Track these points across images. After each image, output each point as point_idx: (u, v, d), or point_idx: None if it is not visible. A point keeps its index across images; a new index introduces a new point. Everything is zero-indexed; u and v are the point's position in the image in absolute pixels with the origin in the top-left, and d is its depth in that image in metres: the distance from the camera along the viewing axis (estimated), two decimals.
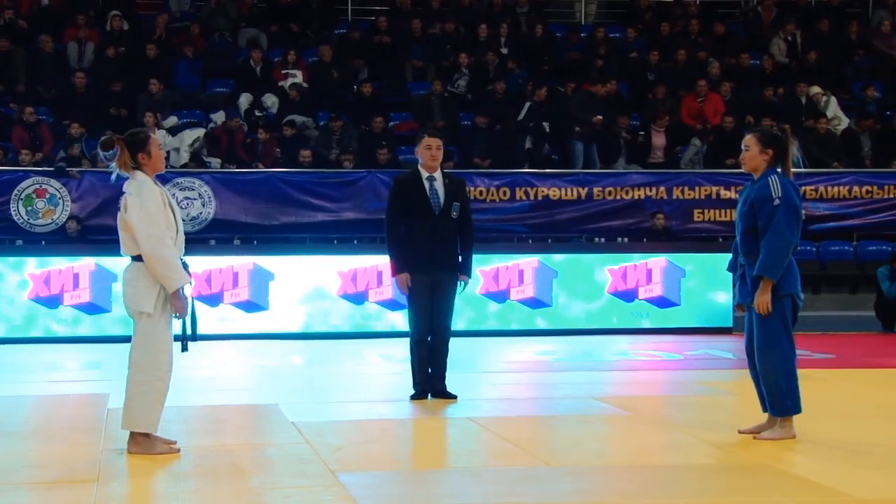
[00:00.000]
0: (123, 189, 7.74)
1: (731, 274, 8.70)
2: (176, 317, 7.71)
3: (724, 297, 15.50)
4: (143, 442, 7.70)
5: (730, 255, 8.60)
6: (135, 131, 7.91)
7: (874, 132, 20.19)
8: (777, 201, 8.01)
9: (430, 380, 10.05)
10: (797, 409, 8.20)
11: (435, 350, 10.04)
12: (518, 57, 20.92)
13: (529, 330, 15.40)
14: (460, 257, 10.07)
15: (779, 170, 8.21)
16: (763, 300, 8.05)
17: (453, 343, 10.22)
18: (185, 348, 7.85)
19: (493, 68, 20.54)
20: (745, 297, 8.26)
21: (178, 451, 7.77)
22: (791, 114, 20.02)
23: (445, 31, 21.47)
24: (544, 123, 19.11)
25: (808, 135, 19.64)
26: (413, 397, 10.01)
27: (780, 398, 8.16)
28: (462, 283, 10.07)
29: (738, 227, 8.29)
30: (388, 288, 15.08)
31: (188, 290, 7.72)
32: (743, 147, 8.30)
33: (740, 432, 8.43)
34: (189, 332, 7.86)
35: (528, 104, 19.20)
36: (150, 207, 7.59)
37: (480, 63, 20.76)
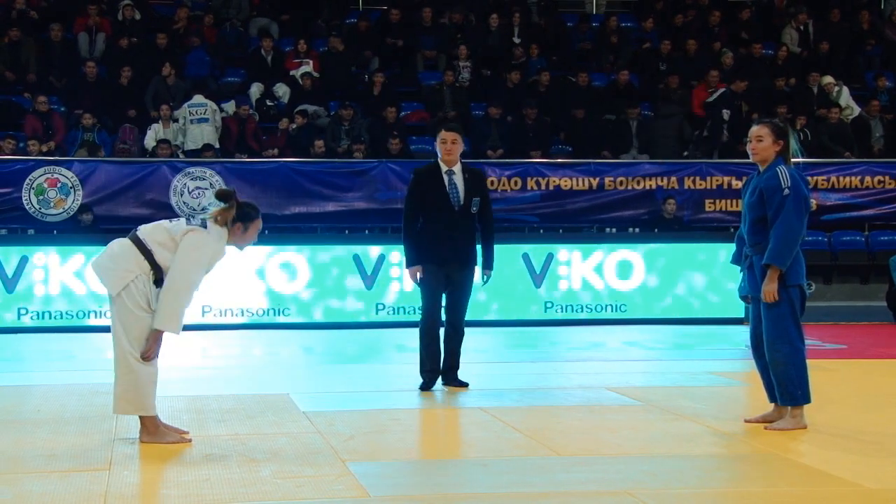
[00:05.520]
0: (205, 219, 7.72)
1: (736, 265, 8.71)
2: (141, 356, 7.63)
3: (735, 287, 15.47)
4: (153, 431, 7.72)
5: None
6: (251, 205, 7.93)
7: (886, 121, 20.14)
8: (787, 191, 8.03)
9: (439, 369, 10.11)
10: (807, 399, 8.21)
11: (449, 340, 10.08)
12: (528, 46, 20.93)
13: (541, 320, 15.40)
14: (483, 251, 10.06)
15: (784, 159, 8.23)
16: (770, 289, 8.06)
17: (466, 333, 10.23)
18: None
19: (504, 57, 20.56)
20: (753, 288, 8.26)
21: (190, 440, 7.79)
22: (803, 103, 20.02)
23: (455, 21, 21.48)
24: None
25: (820, 124, 19.62)
26: (422, 388, 10.04)
27: (789, 388, 8.16)
28: (485, 276, 10.10)
29: (746, 217, 8.29)
30: (399, 278, 15.11)
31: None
32: (754, 138, 8.29)
33: (746, 421, 8.47)
34: None
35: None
36: (207, 256, 7.64)
37: (491, 53, 20.78)
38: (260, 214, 7.95)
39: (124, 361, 7.64)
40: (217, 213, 7.75)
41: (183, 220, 7.86)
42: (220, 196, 7.82)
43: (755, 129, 8.32)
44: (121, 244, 7.74)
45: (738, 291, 8.62)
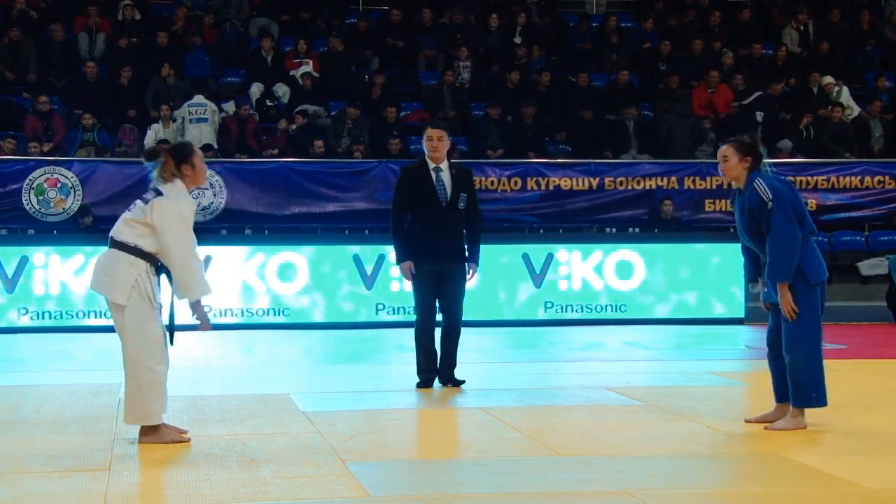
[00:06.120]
0: (157, 187, 7.73)
1: (745, 276, 8.68)
2: (202, 328, 7.71)
3: (736, 288, 15.51)
4: (153, 432, 7.71)
5: (739, 244, 8.58)
6: (181, 143, 8.09)
7: (886, 121, 20.14)
8: (770, 204, 8.01)
9: (437, 368, 10.17)
10: (822, 402, 8.17)
11: (446, 339, 10.15)
12: (530, 46, 20.94)
13: (541, 320, 15.40)
14: (468, 246, 10.20)
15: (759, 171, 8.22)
16: (786, 302, 8.05)
17: (466, 333, 10.27)
18: (171, 342, 7.84)
19: (503, 57, 20.56)
20: (769, 293, 8.22)
21: (189, 440, 7.79)
22: (803, 104, 20.01)
23: (456, 21, 21.49)
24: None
25: (821, 124, 19.61)
26: (419, 385, 10.14)
27: (804, 390, 8.13)
28: (470, 271, 10.22)
29: (745, 236, 8.28)
30: (399, 278, 15.11)
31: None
32: (720, 158, 8.31)
33: (747, 421, 8.47)
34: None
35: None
36: (188, 215, 7.65)
37: (491, 53, 20.78)
38: (195, 146, 7.93)
39: (133, 370, 7.64)
40: (160, 173, 7.74)
41: (138, 201, 7.79)
42: (150, 155, 7.83)
43: (720, 150, 8.33)
44: (107, 255, 7.73)
45: (763, 298, 8.50)
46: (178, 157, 7.78)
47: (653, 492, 6.48)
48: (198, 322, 7.76)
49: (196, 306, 7.67)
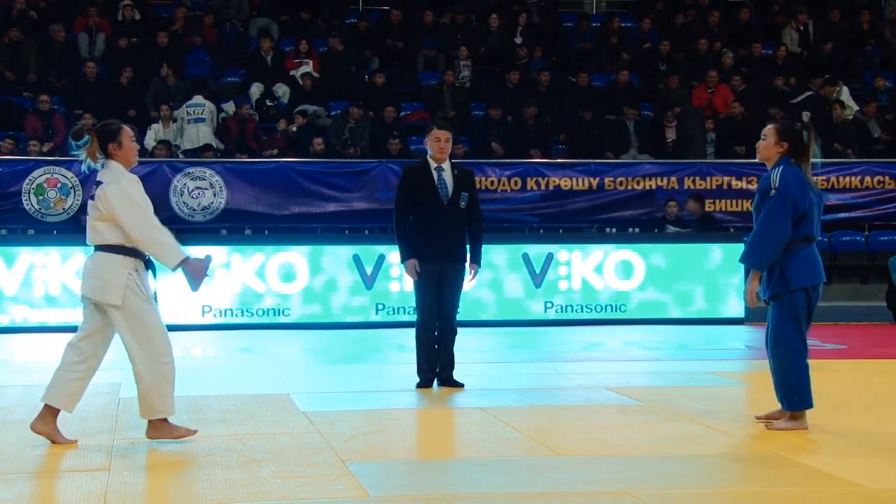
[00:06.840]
0: (98, 179, 7.71)
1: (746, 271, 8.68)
2: (195, 286, 7.64)
3: (736, 288, 15.49)
4: (161, 427, 7.71)
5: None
6: (107, 122, 7.84)
7: (885, 122, 20.14)
8: (773, 191, 7.98)
9: (436, 368, 10.17)
10: (804, 405, 8.16)
11: (442, 339, 10.15)
12: (531, 46, 20.95)
13: (541, 320, 15.40)
14: (470, 247, 10.21)
15: (792, 161, 8.16)
16: (750, 289, 8.05)
17: (466, 333, 10.27)
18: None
19: (503, 57, 20.57)
20: (764, 290, 8.22)
21: (196, 431, 7.81)
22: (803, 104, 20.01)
23: (457, 22, 21.50)
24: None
25: (822, 125, 19.58)
26: (419, 385, 10.15)
27: (787, 393, 8.15)
28: (473, 272, 10.23)
29: (755, 217, 8.28)
30: (399, 278, 15.11)
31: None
32: (761, 136, 8.30)
33: (757, 419, 8.45)
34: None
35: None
36: (132, 193, 7.58)
37: (491, 53, 20.78)
38: (121, 123, 7.80)
39: (141, 366, 7.63)
40: (88, 156, 7.67)
41: (89, 201, 7.74)
42: (76, 135, 7.73)
43: (765, 128, 8.31)
44: (94, 259, 7.71)
45: (759, 295, 8.49)
46: (103, 136, 7.68)
47: (653, 492, 6.49)
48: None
49: (185, 267, 7.57)
